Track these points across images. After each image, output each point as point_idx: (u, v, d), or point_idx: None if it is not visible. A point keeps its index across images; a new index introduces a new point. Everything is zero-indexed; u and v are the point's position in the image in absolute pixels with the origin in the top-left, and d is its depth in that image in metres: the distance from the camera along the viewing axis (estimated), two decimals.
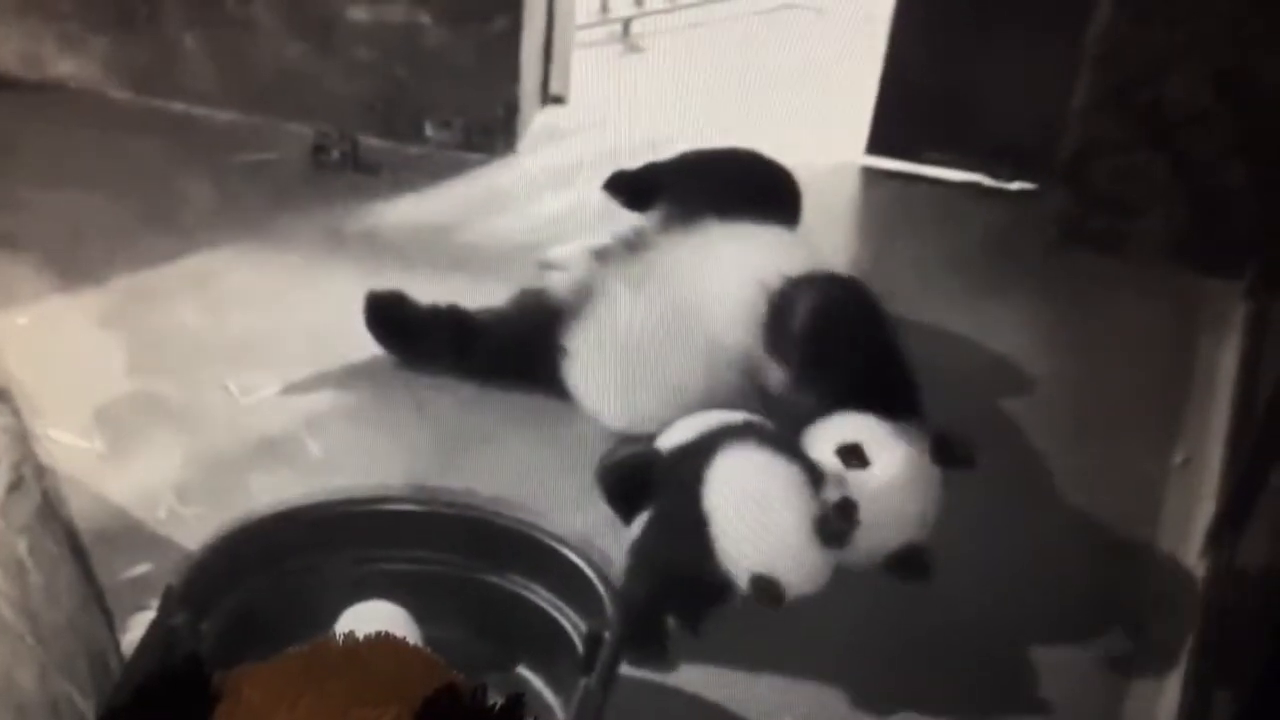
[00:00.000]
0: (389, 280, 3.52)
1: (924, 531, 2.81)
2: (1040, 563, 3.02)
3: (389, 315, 3.48)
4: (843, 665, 2.78)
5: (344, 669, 1.87)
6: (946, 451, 2.83)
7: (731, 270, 3.20)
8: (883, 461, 2.77)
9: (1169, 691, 2.72)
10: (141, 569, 2.75)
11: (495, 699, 1.83)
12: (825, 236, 3.83)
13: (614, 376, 3.22)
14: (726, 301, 3.14)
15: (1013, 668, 2.81)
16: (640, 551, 2.82)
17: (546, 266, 3.64)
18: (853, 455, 2.76)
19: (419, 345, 3.48)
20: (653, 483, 2.90)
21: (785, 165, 3.63)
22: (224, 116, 4.48)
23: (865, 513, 2.72)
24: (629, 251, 3.42)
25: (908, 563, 2.81)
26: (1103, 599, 2.99)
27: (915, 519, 2.81)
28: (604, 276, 3.36)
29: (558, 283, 3.44)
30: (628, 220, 3.55)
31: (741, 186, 3.52)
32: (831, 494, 2.70)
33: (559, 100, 4.83)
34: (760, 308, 3.10)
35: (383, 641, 1.97)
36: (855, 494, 2.73)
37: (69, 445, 3.05)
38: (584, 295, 3.33)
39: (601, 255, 3.46)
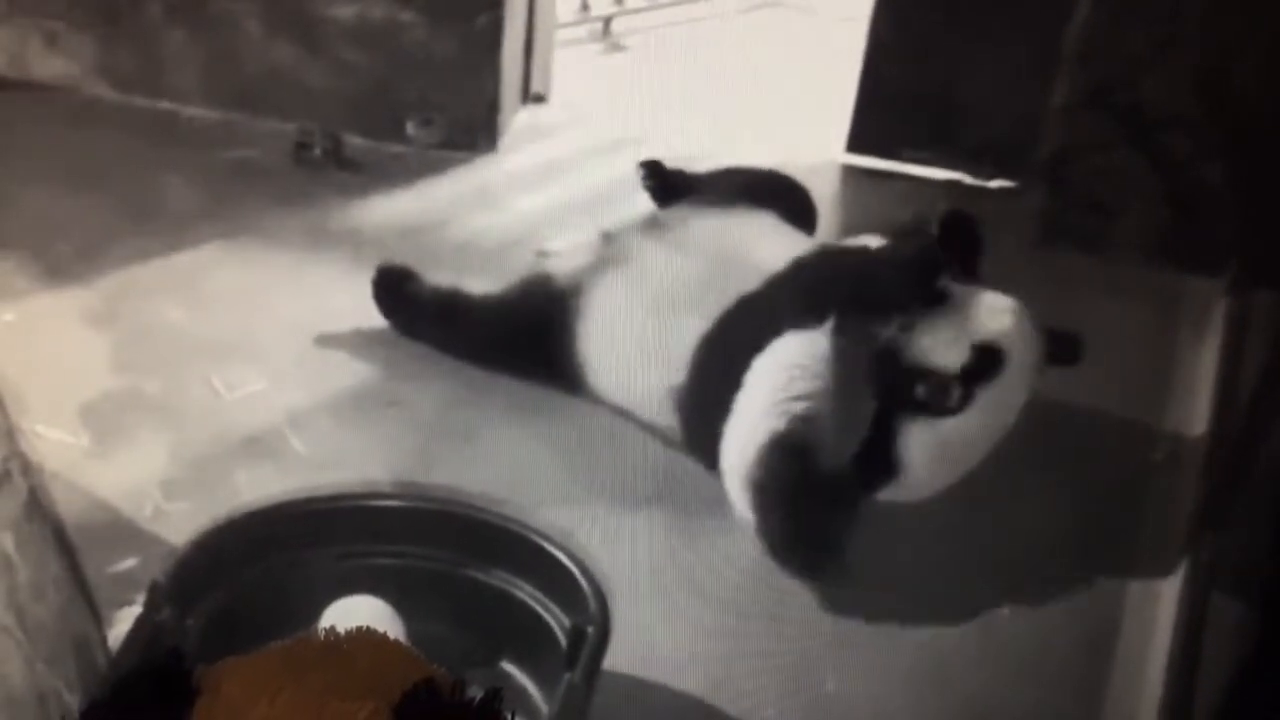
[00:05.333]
0: (370, 278, 3.54)
1: None
2: (1021, 560, 3.04)
3: (396, 288, 3.52)
4: (827, 660, 2.80)
5: (324, 663, 1.88)
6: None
7: (767, 239, 3.30)
8: None
9: (1149, 683, 2.74)
10: (127, 564, 2.75)
11: (475, 693, 1.84)
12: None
13: (631, 347, 3.27)
14: (764, 265, 3.19)
15: (989, 666, 2.83)
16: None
17: (544, 255, 3.65)
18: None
19: (423, 319, 3.52)
20: None
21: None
22: (208, 115, 4.50)
23: None
24: (652, 226, 3.46)
25: None
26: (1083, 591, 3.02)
27: None
28: (631, 244, 3.40)
29: (562, 265, 3.45)
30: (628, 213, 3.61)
31: (769, 189, 3.61)
32: None
33: (540, 98, 4.84)
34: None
35: (363, 636, 1.97)
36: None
37: (55, 441, 3.06)
38: (599, 269, 3.36)
39: (612, 236, 3.46)
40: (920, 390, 2.91)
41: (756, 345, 3.03)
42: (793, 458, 2.90)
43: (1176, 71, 3.85)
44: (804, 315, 3.00)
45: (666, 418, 3.23)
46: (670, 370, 3.18)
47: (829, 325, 2.96)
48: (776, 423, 2.93)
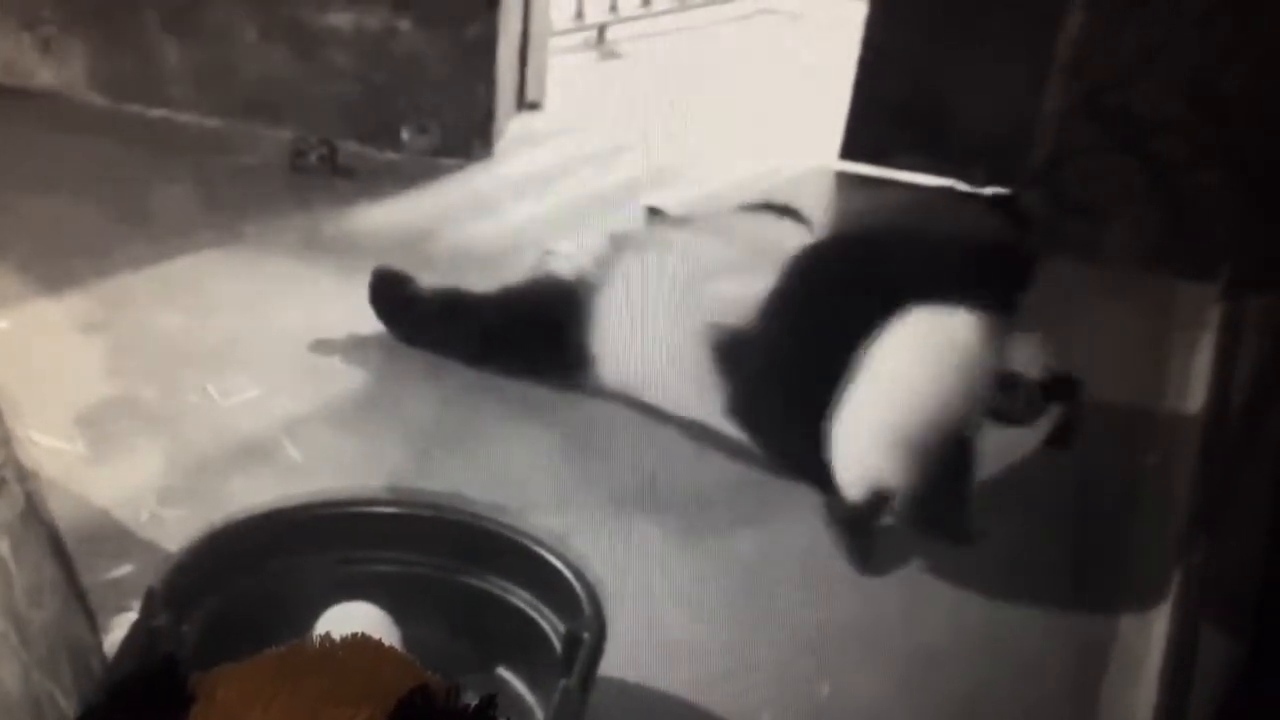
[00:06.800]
0: (366, 284, 3.55)
1: None
2: (1015, 564, 3.04)
3: (393, 291, 3.53)
4: (824, 665, 2.80)
5: (319, 669, 1.87)
6: None
7: (790, 233, 3.34)
8: None
9: (1144, 689, 2.74)
10: (123, 570, 2.75)
11: (470, 699, 1.84)
12: None
13: (655, 318, 3.25)
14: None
15: (986, 672, 2.84)
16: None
17: (552, 254, 3.63)
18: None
19: (422, 321, 3.52)
20: None
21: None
22: (203, 122, 4.50)
23: None
24: (665, 222, 3.47)
25: None
26: (1077, 597, 3.01)
27: None
28: (647, 234, 3.43)
29: (570, 262, 3.44)
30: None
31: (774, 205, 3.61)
32: None
33: (535, 106, 4.85)
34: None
35: (358, 642, 1.97)
36: None
37: (51, 448, 3.06)
38: (613, 258, 3.36)
39: (620, 237, 3.46)
40: (1002, 397, 2.90)
41: (868, 316, 2.98)
42: (962, 453, 2.92)
43: (1170, 76, 3.86)
44: (937, 291, 2.97)
45: (698, 387, 3.21)
46: (705, 325, 3.16)
47: (974, 310, 2.95)
48: (938, 415, 2.92)
